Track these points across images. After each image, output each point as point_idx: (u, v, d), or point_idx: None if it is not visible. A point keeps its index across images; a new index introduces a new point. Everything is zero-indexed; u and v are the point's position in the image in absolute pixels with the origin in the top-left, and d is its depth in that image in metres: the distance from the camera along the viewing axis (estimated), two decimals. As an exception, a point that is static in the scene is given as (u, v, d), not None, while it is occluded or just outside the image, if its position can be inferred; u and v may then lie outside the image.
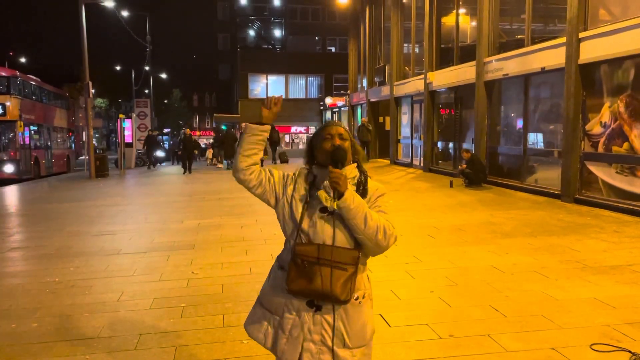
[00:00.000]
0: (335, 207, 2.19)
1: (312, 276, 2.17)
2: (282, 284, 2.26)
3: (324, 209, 2.23)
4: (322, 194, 2.25)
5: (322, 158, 2.30)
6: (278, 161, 24.23)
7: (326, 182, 2.23)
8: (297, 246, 2.22)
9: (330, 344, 2.22)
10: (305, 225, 2.25)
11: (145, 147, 26.45)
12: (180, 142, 23.41)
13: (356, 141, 2.44)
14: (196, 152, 23.10)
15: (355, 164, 2.35)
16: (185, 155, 20.59)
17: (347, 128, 2.39)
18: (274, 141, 23.88)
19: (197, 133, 59.88)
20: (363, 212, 2.16)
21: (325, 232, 2.22)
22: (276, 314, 2.29)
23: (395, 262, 6.03)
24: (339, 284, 2.16)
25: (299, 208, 2.28)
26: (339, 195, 2.15)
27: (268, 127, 2.32)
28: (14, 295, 5.36)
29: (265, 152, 23.49)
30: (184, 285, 5.45)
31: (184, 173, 20.02)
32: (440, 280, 5.44)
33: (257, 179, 2.32)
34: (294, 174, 2.39)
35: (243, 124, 2.36)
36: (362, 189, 2.27)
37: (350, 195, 2.15)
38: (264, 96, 37.75)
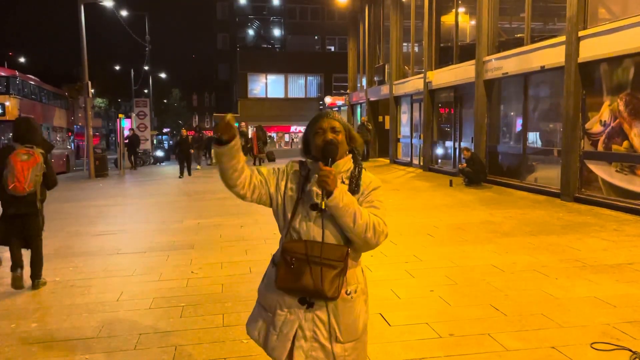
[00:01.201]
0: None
1: (300, 273, 2.15)
2: (273, 281, 2.25)
3: (314, 206, 2.20)
4: (315, 189, 2.21)
5: (315, 152, 2.26)
6: (266, 160, 24.25)
7: (314, 180, 2.21)
8: (286, 243, 2.21)
9: (322, 339, 2.20)
10: (296, 222, 2.22)
11: (127, 147, 24.81)
12: (177, 144, 21.94)
13: (353, 128, 2.35)
14: (192, 151, 21.45)
15: (351, 155, 2.30)
16: (183, 157, 19.36)
17: (342, 118, 2.31)
18: (262, 141, 24.00)
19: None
20: (352, 211, 2.12)
21: (315, 229, 2.19)
22: (269, 311, 2.28)
23: (395, 261, 6.02)
24: (327, 281, 2.13)
25: (291, 204, 2.25)
26: (327, 193, 2.11)
27: (236, 140, 2.18)
28: (14, 295, 5.35)
29: (261, 151, 23.46)
30: (183, 285, 5.44)
31: (180, 176, 18.68)
32: (440, 279, 5.43)
33: (252, 187, 2.28)
34: (286, 167, 2.35)
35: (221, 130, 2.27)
36: (355, 183, 2.23)
37: (340, 194, 2.11)
38: (264, 95, 37.93)
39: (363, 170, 2.28)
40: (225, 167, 2.21)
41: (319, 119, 2.28)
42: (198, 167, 23.32)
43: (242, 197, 2.30)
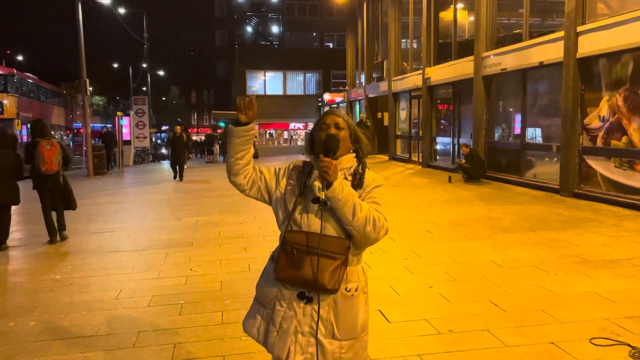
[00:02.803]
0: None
1: (300, 264, 2.15)
2: (272, 275, 2.24)
3: (316, 199, 2.20)
4: (316, 184, 2.21)
5: (318, 148, 2.27)
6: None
7: (316, 173, 2.21)
8: (287, 233, 2.21)
9: (319, 335, 2.18)
10: (297, 214, 2.22)
11: (103, 146, 21.68)
12: (169, 143, 18.94)
13: (359, 129, 2.38)
14: (190, 156, 18.49)
15: (354, 154, 2.31)
16: (175, 157, 16.82)
17: (349, 118, 2.34)
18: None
19: (195, 130, 59.66)
20: (352, 203, 2.11)
21: (315, 222, 2.19)
22: (268, 307, 2.27)
23: (394, 258, 6.02)
24: (327, 273, 2.12)
25: (292, 198, 2.25)
26: (327, 184, 2.10)
27: (253, 126, 2.27)
28: (12, 293, 5.35)
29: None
30: (182, 283, 5.43)
31: (175, 178, 16.60)
32: (439, 275, 5.43)
33: (251, 180, 2.32)
34: (288, 166, 2.37)
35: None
36: (358, 179, 2.23)
37: (340, 185, 2.11)
38: (262, 92, 37.85)
39: (367, 169, 2.29)
40: (235, 151, 2.26)
41: (323, 116, 2.32)
42: (185, 166, 21.92)
43: (242, 190, 2.33)
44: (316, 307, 2.18)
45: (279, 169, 2.38)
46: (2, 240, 7.22)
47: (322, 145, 2.21)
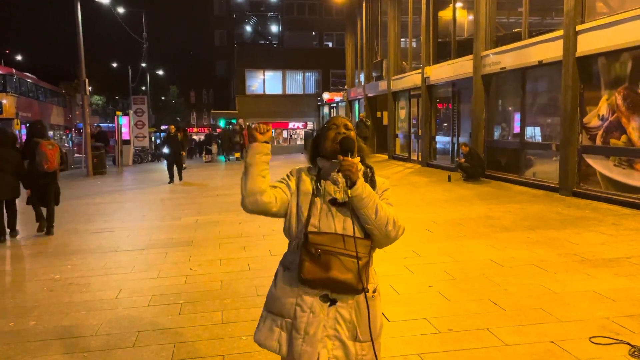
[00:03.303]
0: (344, 198, 2.16)
1: (327, 265, 2.13)
2: (290, 283, 2.21)
3: (333, 200, 2.21)
4: (330, 185, 2.23)
5: (329, 148, 2.26)
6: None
7: (334, 174, 2.21)
8: (311, 235, 2.17)
9: (343, 338, 2.18)
10: (315, 218, 2.21)
11: (102, 145, 21.13)
12: (165, 142, 17.79)
13: (359, 139, 2.42)
14: (184, 153, 17.23)
15: (359, 159, 2.33)
16: (172, 158, 15.81)
17: (350, 121, 2.39)
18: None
19: (194, 130, 59.58)
20: (374, 202, 2.15)
21: (335, 223, 2.19)
22: (287, 316, 2.21)
23: (394, 257, 6.02)
24: (355, 273, 2.13)
25: (306, 201, 2.24)
26: (351, 183, 2.12)
27: (268, 143, 2.29)
28: (12, 293, 5.35)
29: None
30: (182, 282, 5.44)
31: (170, 182, 15.46)
32: (439, 274, 5.44)
33: (274, 195, 2.25)
34: (291, 171, 2.37)
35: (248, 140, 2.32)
36: (370, 181, 2.26)
37: (362, 184, 2.14)
38: (261, 92, 37.88)
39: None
40: (260, 168, 2.22)
41: (330, 119, 2.36)
42: (185, 165, 20.67)
43: (268, 209, 2.24)
44: (340, 310, 2.19)
45: (287, 175, 2.36)
46: (10, 226, 7.84)
47: (338, 145, 2.22)
